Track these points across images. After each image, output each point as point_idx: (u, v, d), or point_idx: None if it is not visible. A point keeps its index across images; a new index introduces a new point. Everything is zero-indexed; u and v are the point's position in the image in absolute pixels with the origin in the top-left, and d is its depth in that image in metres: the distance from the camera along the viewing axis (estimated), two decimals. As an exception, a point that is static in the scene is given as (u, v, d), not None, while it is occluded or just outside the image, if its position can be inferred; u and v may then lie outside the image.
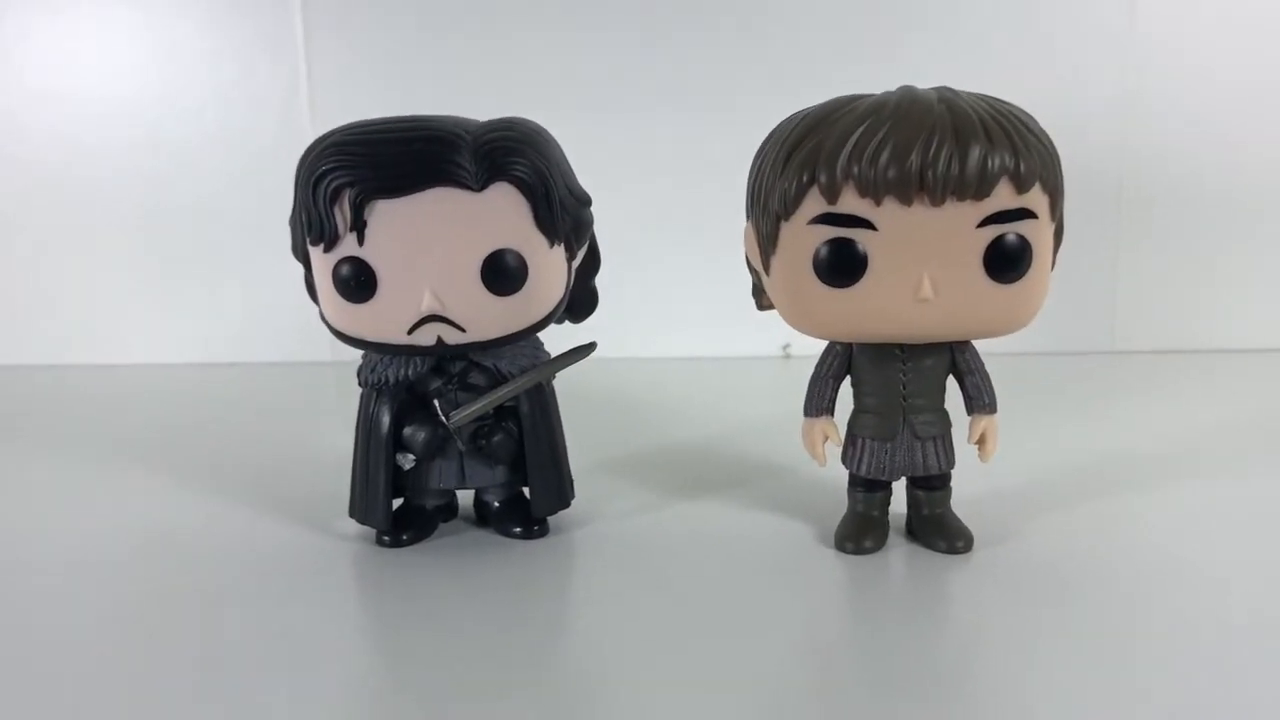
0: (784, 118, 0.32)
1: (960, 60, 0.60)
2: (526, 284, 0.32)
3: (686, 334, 0.64)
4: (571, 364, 0.34)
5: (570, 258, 0.34)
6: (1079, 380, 0.58)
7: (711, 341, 0.64)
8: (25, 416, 0.56)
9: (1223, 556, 0.33)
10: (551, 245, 0.32)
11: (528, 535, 0.35)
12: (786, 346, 0.63)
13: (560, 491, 0.36)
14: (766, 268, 0.32)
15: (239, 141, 0.65)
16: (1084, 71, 0.61)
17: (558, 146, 0.33)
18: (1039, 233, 0.30)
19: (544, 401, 0.35)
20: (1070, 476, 0.41)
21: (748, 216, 0.33)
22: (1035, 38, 0.61)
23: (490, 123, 0.32)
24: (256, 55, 0.64)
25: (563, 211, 0.32)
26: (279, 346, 0.66)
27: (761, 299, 0.34)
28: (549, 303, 0.33)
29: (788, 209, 0.30)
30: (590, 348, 0.34)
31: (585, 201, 0.34)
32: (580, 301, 0.35)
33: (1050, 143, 0.30)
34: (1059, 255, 0.32)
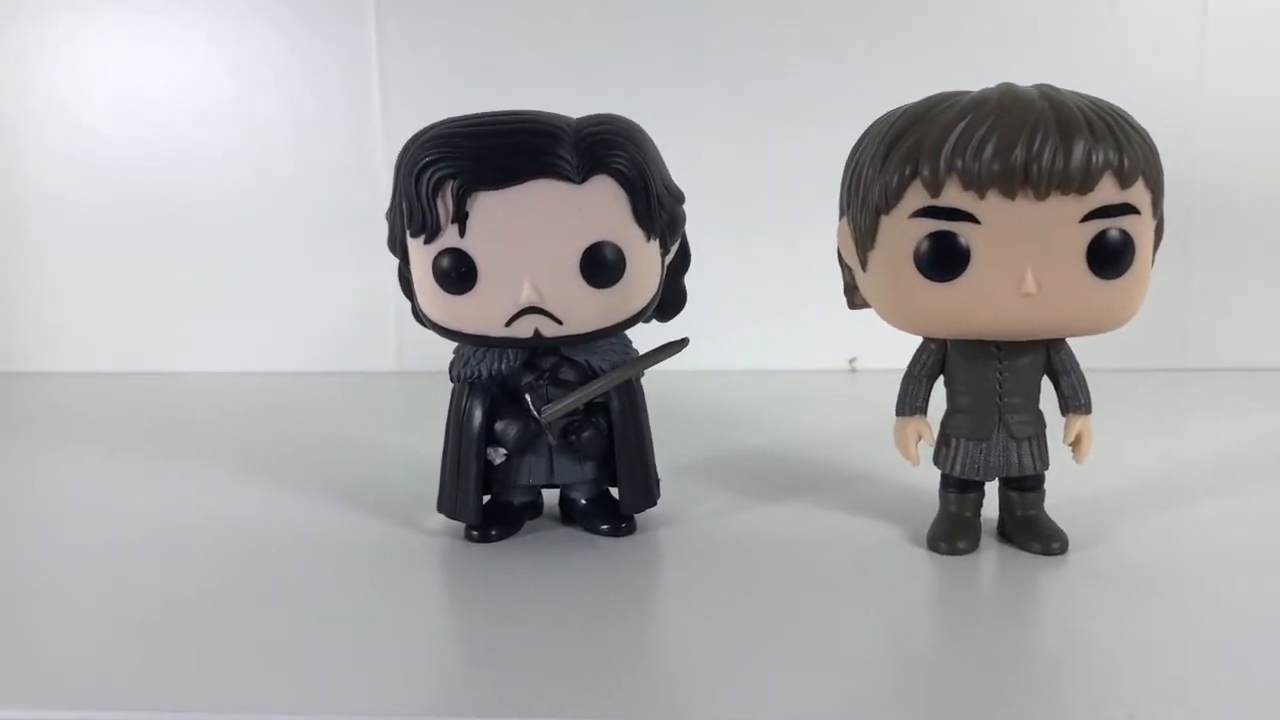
0: (877, 117, 0.32)
1: (1029, 69, 0.60)
2: (624, 277, 0.32)
3: (751, 347, 0.64)
4: (664, 359, 0.34)
5: (664, 254, 0.34)
6: (1153, 395, 0.58)
7: (776, 355, 0.64)
8: (104, 423, 0.57)
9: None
10: (648, 239, 0.32)
11: (615, 533, 0.35)
12: (853, 360, 0.63)
13: (648, 489, 0.35)
14: (864, 263, 0.32)
15: (309, 153, 0.66)
16: (1154, 84, 0.61)
17: (653, 142, 0.33)
18: (1141, 228, 0.30)
19: (634, 399, 0.35)
20: (1157, 483, 0.40)
21: (842, 213, 0.33)
22: (1105, 49, 0.61)
23: (589, 117, 0.32)
24: (328, 67, 0.65)
25: (659, 206, 0.32)
26: (344, 355, 0.66)
27: (854, 297, 0.34)
28: (644, 297, 0.33)
29: (889, 202, 0.30)
30: (683, 343, 0.34)
31: (680, 198, 0.34)
32: (670, 299, 0.35)
33: (1150, 139, 0.30)
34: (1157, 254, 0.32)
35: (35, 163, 0.67)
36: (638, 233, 0.32)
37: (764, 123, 0.63)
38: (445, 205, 0.31)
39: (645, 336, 0.35)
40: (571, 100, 0.62)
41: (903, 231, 0.30)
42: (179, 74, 0.66)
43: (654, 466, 0.36)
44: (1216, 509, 0.38)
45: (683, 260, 0.36)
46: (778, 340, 0.62)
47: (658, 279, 0.34)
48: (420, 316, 0.34)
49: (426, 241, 0.31)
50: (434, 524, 0.36)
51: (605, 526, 0.35)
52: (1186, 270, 0.62)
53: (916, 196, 0.29)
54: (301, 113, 0.65)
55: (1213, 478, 0.42)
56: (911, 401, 0.33)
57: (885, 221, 0.30)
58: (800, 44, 0.63)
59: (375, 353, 0.65)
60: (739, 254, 0.63)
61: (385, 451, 0.48)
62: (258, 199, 0.67)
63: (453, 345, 0.34)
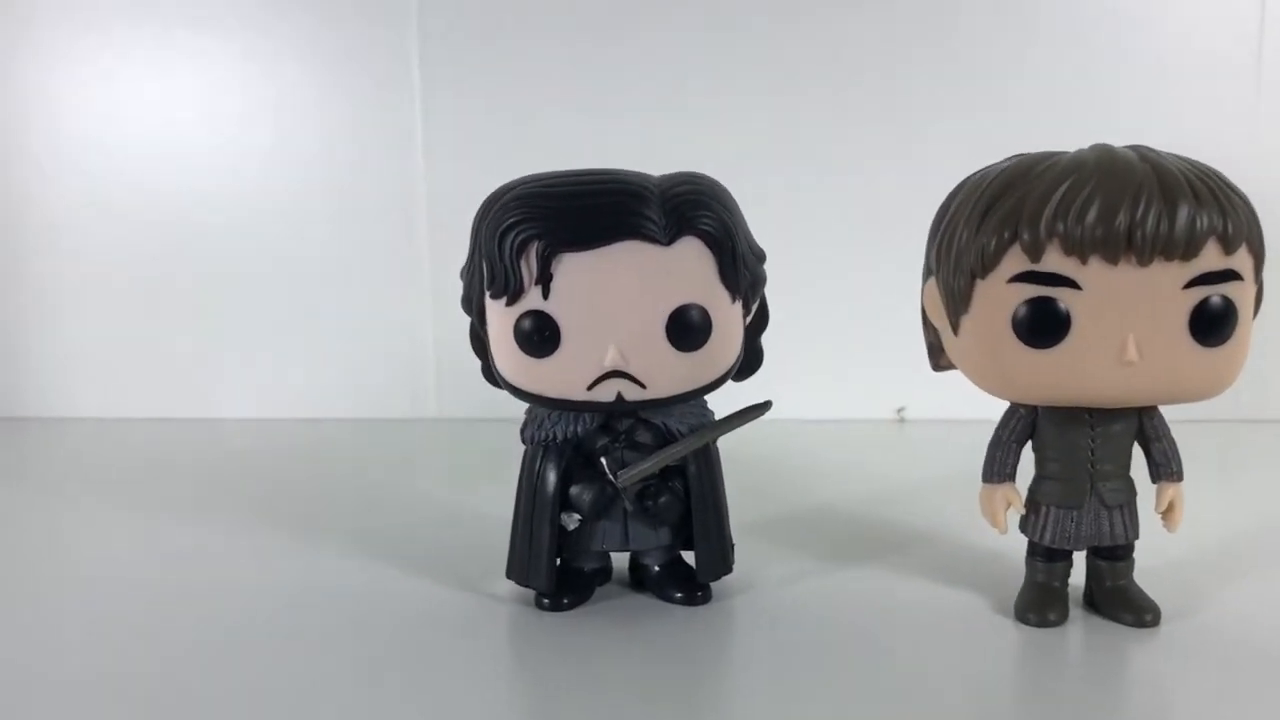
0: (966, 177, 0.31)
1: (1085, 115, 0.60)
2: (709, 340, 0.31)
3: (797, 395, 0.63)
4: (745, 424, 0.33)
5: (745, 314, 0.33)
6: (1214, 448, 0.57)
7: (823, 404, 0.63)
8: (136, 470, 0.56)
9: None
10: (733, 300, 0.32)
11: (690, 601, 0.34)
12: (901, 410, 0.62)
13: (724, 556, 0.35)
14: (955, 327, 0.31)
15: (350, 193, 0.65)
16: (1211, 126, 0.60)
17: (736, 202, 0.33)
18: (1243, 294, 0.29)
19: (711, 463, 0.34)
20: (1243, 546, 0.40)
21: (930, 274, 0.32)
22: (1161, 91, 0.61)
23: (674, 176, 0.31)
24: (369, 108, 0.65)
25: (744, 267, 0.32)
26: (384, 403, 0.65)
27: (940, 359, 0.33)
28: (728, 360, 0.32)
29: (985, 266, 0.29)
30: (765, 407, 0.33)
31: (761, 257, 0.33)
32: (747, 360, 0.34)
33: (1251, 203, 0.30)
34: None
35: (67, 205, 0.67)
36: (723, 294, 0.31)
37: (814, 170, 0.62)
38: (529, 267, 0.30)
39: (720, 396, 0.34)
40: (614, 134, 0.62)
41: (1000, 296, 0.29)
42: (214, 115, 0.65)
43: (730, 533, 0.35)
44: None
45: (761, 320, 0.35)
46: (825, 389, 0.61)
47: (740, 341, 0.33)
48: (494, 377, 0.33)
49: (509, 304, 0.31)
50: (500, 589, 0.35)
51: (679, 595, 0.34)
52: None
53: (1015, 261, 0.29)
54: (341, 155, 0.65)
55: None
56: (1000, 468, 0.32)
57: (981, 285, 0.29)
58: (851, 91, 0.62)
59: (414, 399, 0.64)
60: (787, 300, 0.62)
61: (432, 504, 0.47)
62: (295, 243, 0.66)
63: (523, 405, 0.34)
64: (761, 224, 0.60)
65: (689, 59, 0.63)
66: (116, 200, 0.67)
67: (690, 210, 0.30)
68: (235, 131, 0.65)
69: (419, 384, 0.64)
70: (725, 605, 0.35)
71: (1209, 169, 0.29)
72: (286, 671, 0.30)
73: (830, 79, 0.63)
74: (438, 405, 0.64)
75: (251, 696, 0.28)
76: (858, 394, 0.61)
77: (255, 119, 0.65)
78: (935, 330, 0.32)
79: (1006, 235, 0.28)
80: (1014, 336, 0.29)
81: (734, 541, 0.35)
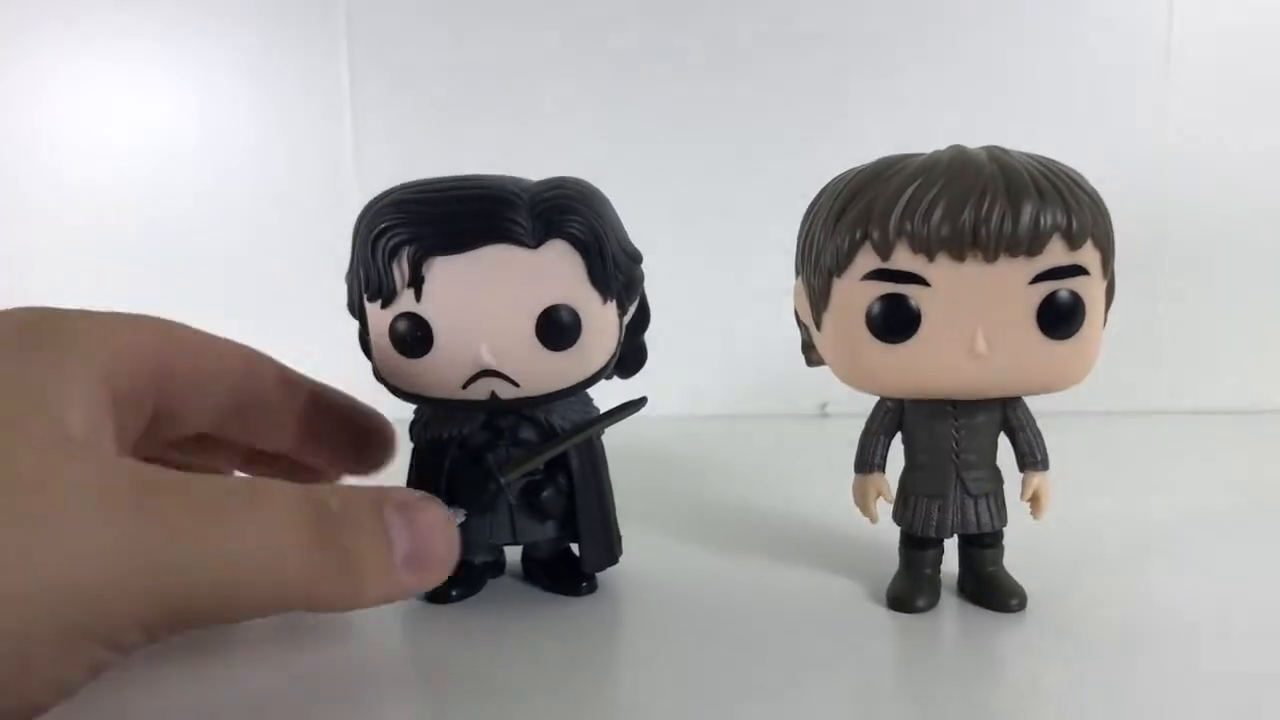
0: (834, 176, 0.32)
1: (998, 120, 0.61)
2: (580, 339, 0.32)
3: (722, 391, 0.64)
4: (622, 419, 0.34)
5: (622, 314, 0.34)
6: (1125, 440, 0.58)
7: (748, 399, 0.64)
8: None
9: (1281, 617, 0.33)
10: (605, 301, 0.32)
11: (576, 592, 0.35)
12: (824, 405, 0.63)
13: (609, 547, 0.36)
14: (818, 324, 0.32)
15: (281, 197, 0.66)
16: (1121, 129, 0.61)
17: (610, 205, 0.34)
18: (1091, 289, 0.30)
19: (594, 457, 0.35)
20: (1121, 535, 0.41)
21: (798, 273, 0.33)
22: (1072, 96, 0.62)
23: (545, 181, 0.32)
24: (301, 109, 0.65)
25: (615, 268, 0.32)
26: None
27: (811, 355, 0.34)
28: (601, 358, 0.33)
29: (840, 265, 0.30)
30: (641, 403, 0.34)
31: (637, 259, 0.34)
32: (630, 357, 0.35)
33: (1100, 200, 0.30)
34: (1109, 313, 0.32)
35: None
36: (593, 295, 0.32)
37: (736, 174, 0.63)
38: (401, 270, 0.31)
39: (608, 393, 0.35)
40: (543, 141, 0.63)
41: (854, 294, 0.30)
42: (145, 116, 0.66)
43: (616, 524, 0.36)
44: (1190, 560, 0.38)
45: (642, 319, 0.36)
46: (750, 384, 0.62)
47: (615, 339, 0.34)
48: (380, 377, 0.34)
49: (383, 306, 0.31)
50: None
51: (567, 586, 0.35)
52: (1158, 313, 0.63)
53: (868, 259, 0.30)
54: (273, 156, 0.66)
55: (1187, 525, 0.42)
56: (870, 459, 0.34)
57: (837, 284, 0.30)
58: (757, 92, 0.63)
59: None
60: (710, 297, 0.63)
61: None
62: (226, 244, 0.66)
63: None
64: (685, 222, 0.62)
65: (619, 57, 0.64)
66: (42, 199, 0.67)
67: (557, 215, 0.31)
68: (164, 134, 0.66)
69: (356, 384, 0.64)
70: (611, 595, 0.35)
71: (1059, 167, 0.30)
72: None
73: (743, 74, 0.64)
74: (391, 408, 0.64)
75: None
76: (782, 389, 0.62)
77: (188, 123, 0.66)
78: (806, 328, 0.33)
79: (858, 235, 0.29)
80: (869, 332, 0.30)
81: (621, 533, 0.36)
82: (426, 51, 0.64)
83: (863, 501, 0.34)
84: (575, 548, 0.36)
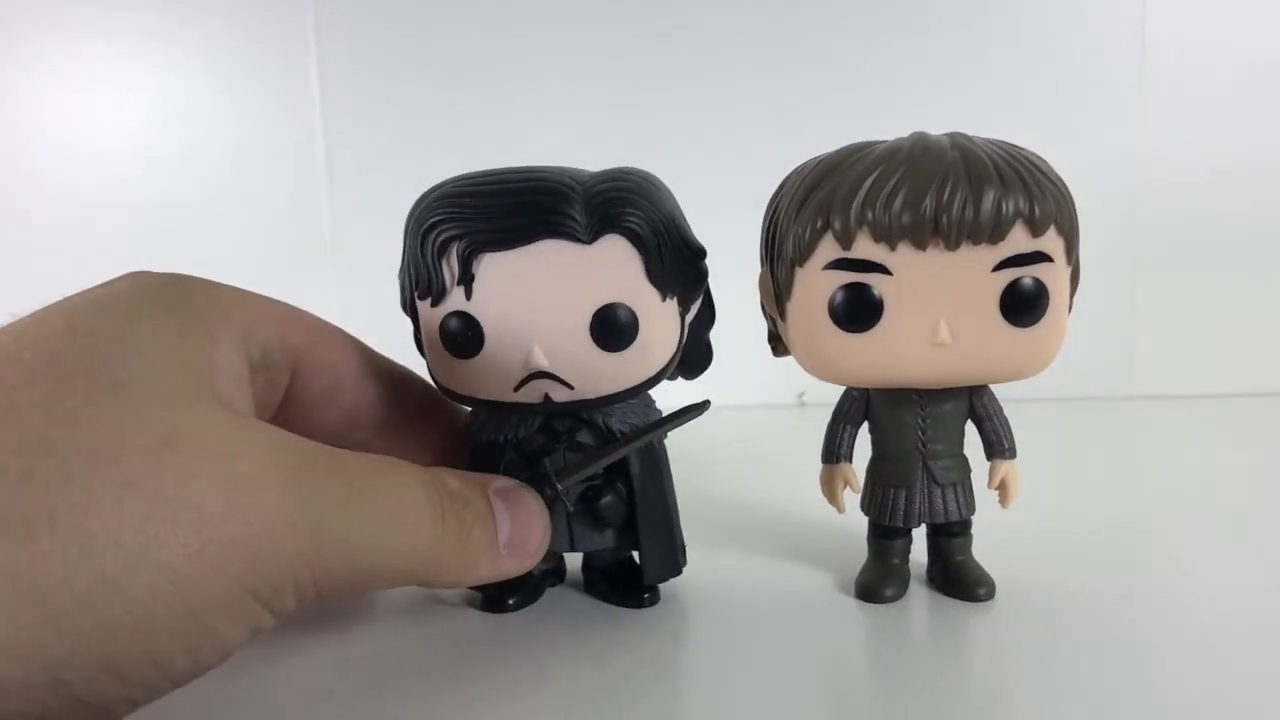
0: (796, 166, 0.32)
1: (970, 108, 0.61)
2: (637, 339, 0.30)
3: (699, 381, 0.64)
4: (685, 423, 0.32)
5: (684, 311, 0.32)
6: (1098, 426, 0.58)
7: (725, 389, 0.63)
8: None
9: (1252, 603, 0.33)
10: (664, 299, 0.30)
11: (637, 604, 0.34)
12: (802, 394, 0.63)
13: (672, 558, 0.34)
14: (782, 314, 0.32)
15: (254, 201, 0.65)
16: (1095, 116, 0.61)
17: (672, 197, 0.32)
18: (1055, 276, 0.30)
19: (656, 462, 0.33)
20: (1092, 522, 0.41)
21: (762, 263, 0.33)
22: (1046, 84, 0.62)
23: (603, 173, 0.31)
24: (272, 114, 0.65)
25: (676, 264, 0.31)
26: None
27: (777, 345, 0.34)
28: (661, 359, 0.31)
29: (802, 255, 0.30)
30: (704, 406, 0.32)
31: (700, 253, 0.32)
32: (694, 357, 0.34)
33: (1064, 186, 0.30)
34: (1075, 300, 0.32)
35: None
36: (652, 292, 0.30)
37: (716, 164, 0.63)
38: (450, 267, 0.29)
39: (672, 394, 0.33)
40: (517, 142, 0.62)
41: (817, 283, 0.30)
42: (120, 123, 0.66)
43: (679, 533, 0.34)
44: (1160, 547, 0.38)
45: (707, 316, 0.34)
46: (727, 375, 0.62)
47: (676, 339, 0.32)
48: (434, 378, 0.32)
49: (434, 304, 0.30)
50: (449, 591, 0.35)
51: (627, 597, 0.34)
52: (1132, 298, 0.63)
53: (829, 249, 0.29)
54: (245, 160, 0.65)
55: (1157, 512, 0.42)
56: (836, 449, 0.33)
57: (800, 273, 0.30)
58: (741, 77, 0.63)
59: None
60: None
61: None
62: (200, 248, 0.66)
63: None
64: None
65: (596, 55, 0.64)
66: (18, 205, 0.66)
67: (613, 208, 0.29)
68: (141, 139, 0.66)
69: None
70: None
71: (1023, 154, 0.30)
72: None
73: (735, 56, 0.63)
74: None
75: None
76: (759, 379, 0.62)
77: (162, 129, 0.65)
78: (771, 318, 0.33)
79: (820, 224, 0.29)
80: (831, 322, 0.30)
81: (685, 543, 0.34)
82: (395, 50, 0.64)
83: (829, 492, 0.34)
84: (636, 555, 0.34)
